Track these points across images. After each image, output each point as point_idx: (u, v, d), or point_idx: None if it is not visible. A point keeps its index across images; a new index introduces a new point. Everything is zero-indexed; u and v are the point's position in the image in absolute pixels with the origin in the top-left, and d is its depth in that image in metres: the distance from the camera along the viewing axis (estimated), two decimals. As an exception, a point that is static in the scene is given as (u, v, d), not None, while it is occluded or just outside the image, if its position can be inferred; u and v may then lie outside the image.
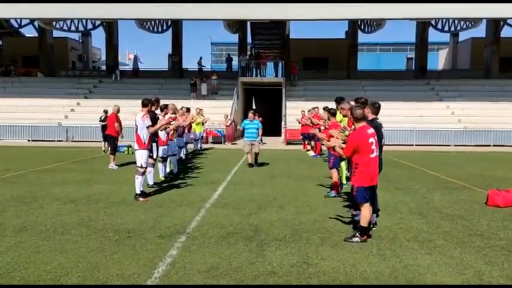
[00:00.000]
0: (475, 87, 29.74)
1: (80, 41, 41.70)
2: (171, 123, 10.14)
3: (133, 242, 5.36)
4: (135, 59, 38.71)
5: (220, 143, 23.35)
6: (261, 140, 25.64)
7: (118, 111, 13.48)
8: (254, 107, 36.58)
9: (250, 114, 13.50)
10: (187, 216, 6.74)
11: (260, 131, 13.42)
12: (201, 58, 35.06)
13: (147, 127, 8.25)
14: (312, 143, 18.54)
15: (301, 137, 20.62)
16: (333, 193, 8.54)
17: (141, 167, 8.18)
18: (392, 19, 28.76)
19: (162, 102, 10.43)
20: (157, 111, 9.81)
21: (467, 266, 4.67)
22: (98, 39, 69.08)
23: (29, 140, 23.52)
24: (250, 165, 12.99)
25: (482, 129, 24.22)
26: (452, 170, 12.88)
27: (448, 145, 23.61)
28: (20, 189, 8.82)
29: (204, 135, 21.62)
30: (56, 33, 35.19)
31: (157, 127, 8.68)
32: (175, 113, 11.49)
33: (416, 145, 23.46)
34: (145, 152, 8.33)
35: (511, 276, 4.37)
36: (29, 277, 4.17)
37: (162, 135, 10.04)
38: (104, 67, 40.73)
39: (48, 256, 4.79)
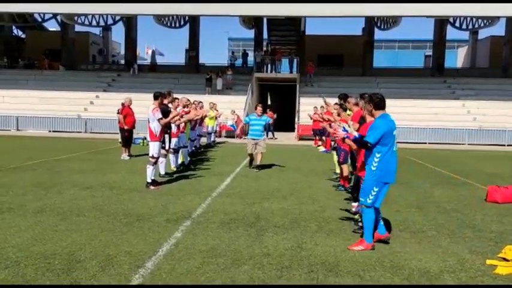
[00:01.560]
0: (492, 86, 29.45)
1: (101, 35, 42.61)
2: (183, 116, 10.57)
3: (141, 224, 5.78)
4: (153, 53, 39.41)
5: (233, 137, 23.74)
6: (273, 134, 26.07)
7: (130, 103, 13.85)
8: (269, 102, 36.98)
9: (259, 108, 11.29)
10: (194, 203, 7.15)
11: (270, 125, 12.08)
12: (233, 53, 35.54)
13: (158, 120, 8.64)
14: (323, 138, 18.80)
15: (312, 133, 20.88)
16: (342, 186, 8.85)
17: (153, 157, 8.61)
18: (409, 16, 28.68)
19: (178, 96, 10.88)
20: (170, 105, 10.22)
21: (451, 254, 4.95)
22: (118, 34, 70.24)
23: (49, 131, 24.34)
24: (251, 163, 11.33)
25: (497, 128, 24.07)
26: (459, 167, 13.01)
27: (462, 144, 23.55)
28: (39, 176, 9.36)
29: (218, 129, 22.02)
30: (78, 28, 36.15)
31: (168, 120, 9.04)
32: (187, 106, 11.91)
33: (430, 143, 23.46)
34: (157, 144, 8.73)
35: (491, 264, 4.62)
36: (46, 251, 4.62)
37: (173, 127, 10.46)
38: (122, 61, 41.58)
39: (64, 234, 5.24)
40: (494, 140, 23.74)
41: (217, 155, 14.79)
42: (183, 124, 11.03)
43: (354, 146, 5.92)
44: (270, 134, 24.04)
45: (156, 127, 8.68)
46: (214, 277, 4.09)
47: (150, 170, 8.55)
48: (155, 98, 8.93)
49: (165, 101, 9.74)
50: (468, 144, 23.46)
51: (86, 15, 31.92)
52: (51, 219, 5.91)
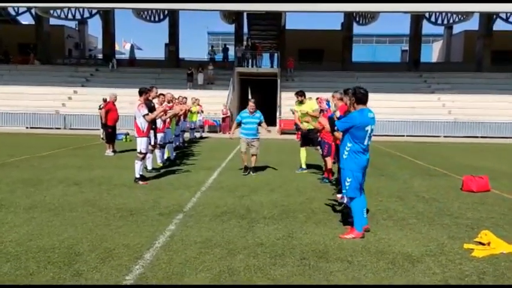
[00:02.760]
0: (466, 80, 30.38)
1: (77, 29, 41.89)
2: (168, 112, 10.66)
3: (135, 218, 5.92)
4: (132, 48, 39.03)
5: (216, 132, 23.87)
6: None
7: (115, 99, 13.85)
8: (250, 97, 37.14)
9: (251, 104, 9.98)
10: (185, 197, 7.30)
11: (264, 124, 10.28)
12: (212, 47, 35.59)
13: (144, 116, 8.71)
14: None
15: (294, 127, 21.16)
16: (326, 179, 9.14)
17: (141, 153, 8.70)
18: (386, 12, 29.20)
19: (160, 91, 10.88)
20: (155, 100, 10.28)
21: (432, 240, 5.26)
22: (94, 28, 68.99)
23: (27, 127, 23.99)
24: (245, 169, 10.03)
25: (471, 121, 24.90)
26: (437, 159, 13.50)
27: (438, 136, 24.29)
28: (24, 173, 9.34)
29: (202, 124, 22.10)
30: (52, 21, 35.44)
31: (154, 115, 9.10)
32: (171, 102, 11.99)
33: (408, 136, 24.10)
34: (144, 139, 8.82)
35: (469, 248, 4.96)
36: (44, 245, 4.73)
37: (158, 122, 10.54)
38: (100, 55, 41.01)
39: (60, 229, 5.34)
40: (468, 132, 24.60)
41: (202, 150, 14.92)
42: (168, 119, 11.13)
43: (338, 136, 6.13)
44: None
45: (142, 123, 8.76)
46: (212, 266, 4.28)
47: (138, 165, 8.65)
48: (140, 94, 8.97)
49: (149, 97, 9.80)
50: (444, 136, 24.22)
51: (61, 8, 31.34)
52: (44, 215, 5.98)
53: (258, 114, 10.05)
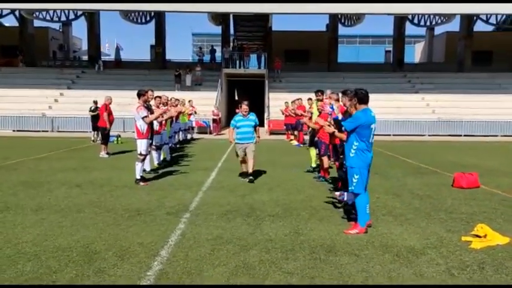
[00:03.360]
0: (448, 80, 31.08)
1: (60, 30, 41.44)
2: (164, 114, 10.77)
3: (144, 218, 6.06)
4: (117, 49, 38.78)
5: (206, 133, 23.96)
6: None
7: (110, 102, 13.92)
8: (236, 98, 37.30)
9: (244, 107, 9.38)
10: (187, 197, 7.45)
11: (258, 129, 9.71)
12: (200, 48, 35.60)
13: (143, 118, 8.81)
14: (296, 132, 19.40)
15: (284, 127, 21.43)
16: (323, 178, 9.38)
17: (141, 154, 8.81)
18: (372, 14, 29.69)
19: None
20: (152, 102, 10.37)
21: (431, 234, 5.53)
22: (78, 29, 68.31)
23: (14, 130, 23.70)
24: (244, 175, 9.45)
25: (455, 119, 25.52)
26: (425, 157, 13.89)
27: (423, 135, 24.82)
28: (23, 176, 9.35)
29: (193, 125, 22.16)
30: (37, 23, 35.04)
31: (153, 118, 9.21)
32: (166, 104, 12.11)
33: (394, 135, 24.55)
34: (144, 141, 8.89)
35: (466, 240, 5.24)
36: (60, 245, 4.84)
37: (155, 124, 10.64)
38: (85, 57, 40.64)
39: (72, 229, 5.45)
40: (452, 130, 25.19)
41: (195, 151, 15.04)
42: (163, 121, 11.24)
43: (342, 137, 6.37)
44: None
45: (142, 125, 8.85)
46: (227, 261, 4.46)
47: (138, 167, 8.76)
48: (139, 96, 9.08)
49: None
50: (428, 135, 24.77)
51: (47, 10, 31.03)
52: (53, 216, 6.07)
53: (253, 116, 9.46)
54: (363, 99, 5.67)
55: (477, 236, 5.39)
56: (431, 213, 6.62)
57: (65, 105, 26.47)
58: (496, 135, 24.54)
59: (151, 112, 9.40)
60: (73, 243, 4.91)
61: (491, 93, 28.55)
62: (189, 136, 20.30)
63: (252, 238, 5.24)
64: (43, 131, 23.67)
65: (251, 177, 9.15)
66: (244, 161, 9.42)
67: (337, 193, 7.62)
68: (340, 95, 7.35)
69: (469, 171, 9.56)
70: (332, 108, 6.32)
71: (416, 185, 8.93)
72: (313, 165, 10.66)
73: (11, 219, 5.87)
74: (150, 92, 10.24)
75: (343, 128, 5.62)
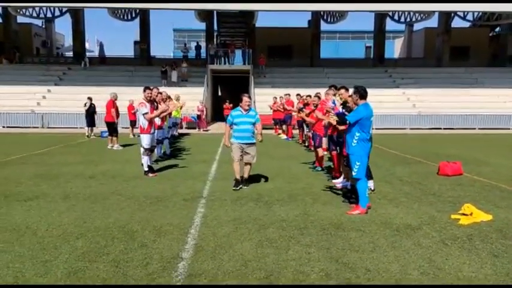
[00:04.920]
0: (428, 75, 32.26)
1: (43, 26, 41.12)
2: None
3: (165, 204, 6.64)
4: (101, 46, 38.78)
5: (195, 128, 24.44)
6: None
7: (115, 98, 14.42)
8: (220, 94, 37.81)
9: (246, 99, 8.01)
10: (198, 186, 8.04)
11: (259, 126, 8.39)
12: (185, 44, 35.79)
13: (143, 114, 9.24)
14: (284, 127, 20.09)
15: (272, 122, 22.08)
16: (319, 167, 10.09)
17: (145, 148, 9.28)
18: (354, 11, 30.55)
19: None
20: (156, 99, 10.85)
21: (423, 214, 6.28)
22: (61, 25, 67.26)
23: (3, 127, 23.73)
24: (237, 183, 7.92)
25: (434, 113, 26.65)
26: (409, 149, 14.76)
27: (405, 128, 25.85)
28: (35, 169, 9.77)
29: (180, 121, 22.59)
30: (20, 19, 34.73)
31: (153, 115, 9.42)
32: (166, 100, 12.62)
33: (377, 128, 25.47)
34: (146, 136, 9.31)
35: (455, 218, 6.00)
36: (100, 226, 5.39)
37: (157, 120, 11.13)
38: (68, 53, 40.49)
39: (104, 214, 6.00)
40: (432, 124, 26.31)
41: (189, 145, 15.56)
42: (163, 117, 11.72)
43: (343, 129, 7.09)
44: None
45: (143, 121, 9.28)
46: (251, 237, 5.10)
47: (145, 159, 9.26)
48: (144, 91, 9.52)
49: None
50: (410, 128, 25.81)
51: (33, 7, 30.90)
52: (82, 203, 6.60)
53: (254, 112, 8.15)
54: (364, 95, 6.40)
55: (464, 214, 6.15)
56: (421, 197, 7.39)
57: (54, 101, 26.55)
58: (474, 128, 25.75)
59: (156, 108, 9.86)
60: (110, 225, 5.47)
61: (468, 87, 29.86)
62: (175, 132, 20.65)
63: (267, 218, 5.88)
64: (33, 127, 23.78)
65: (245, 186, 7.89)
66: (238, 165, 7.99)
67: (335, 181, 8.35)
68: (342, 90, 8.02)
69: (452, 160, 10.40)
70: (334, 103, 7.02)
71: (405, 174, 9.71)
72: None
73: (44, 206, 6.37)
74: (155, 90, 10.78)
75: (347, 122, 6.30)
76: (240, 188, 7.85)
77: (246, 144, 8.04)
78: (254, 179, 8.92)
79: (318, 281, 3.93)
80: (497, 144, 17.00)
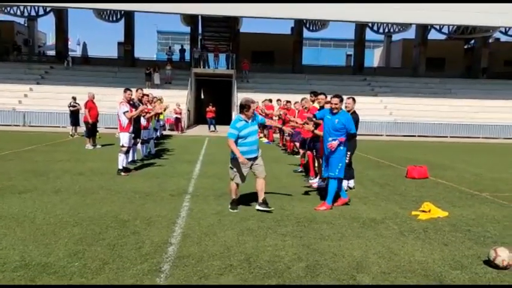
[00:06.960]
0: (404, 84, 33.42)
1: (26, 25, 40.87)
2: (151, 111, 11.79)
3: (153, 198, 7.15)
4: (85, 46, 38.83)
5: (173, 130, 24.81)
6: (215, 127, 27.91)
7: (93, 97, 14.72)
8: (202, 97, 38.26)
9: (254, 106, 6.62)
10: (182, 183, 8.57)
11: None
12: (170, 47, 36.08)
13: (124, 113, 9.56)
14: (265, 131, 20.73)
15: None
16: (300, 168, 10.72)
17: (123, 146, 9.63)
18: (335, 21, 31.49)
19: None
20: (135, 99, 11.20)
21: (388, 210, 6.96)
22: (43, 24, 66.55)
23: (-16, 124, 23.69)
24: (234, 203, 6.69)
25: (410, 121, 27.72)
26: (382, 154, 15.56)
27: (381, 135, 26.81)
28: (23, 165, 10.12)
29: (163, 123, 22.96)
30: (1, 17, 34.64)
31: (133, 114, 9.70)
32: (152, 102, 13.10)
33: (354, 135, 26.39)
34: (126, 134, 9.58)
35: (415, 214, 6.68)
36: (93, 216, 5.88)
37: (142, 120, 11.59)
38: (50, 52, 40.35)
39: (96, 206, 6.47)
40: (406, 131, 27.35)
41: (173, 146, 16.02)
42: (150, 117, 12.20)
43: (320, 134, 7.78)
44: (212, 127, 25.53)
45: (123, 119, 9.58)
46: (233, 227, 5.66)
47: (121, 158, 9.48)
48: (124, 92, 9.87)
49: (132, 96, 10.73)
50: (386, 135, 26.78)
51: (18, 5, 30.85)
52: (74, 197, 7.05)
53: (257, 116, 6.85)
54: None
55: (423, 211, 6.85)
56: (388, 196, 8.08)
57: (36, 100, 26.59)
58: (446, 136, 26.89)
59: (136, 108, 10.17)
60: (103, 215, 5.96)
61: (442, 97, 31.09)
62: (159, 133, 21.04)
63: (248, 212, 6.46)
64: (15, 125, 23.81)
65: (269, 208, 6.52)
66: (237, 188, 6.74)
67: (311, 181, 8.99)
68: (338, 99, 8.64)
69: (420, 165, 11.18)
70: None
71: (376, 176, 10.44)
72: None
73: (38, 199, 6.80)
74: (139, 91, 11.25)
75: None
76: (236, 208, 6.58)
77: (254, 157, 6.64)
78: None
79: (291, 262, 4.52)
80: (465, 152, 17.99)
